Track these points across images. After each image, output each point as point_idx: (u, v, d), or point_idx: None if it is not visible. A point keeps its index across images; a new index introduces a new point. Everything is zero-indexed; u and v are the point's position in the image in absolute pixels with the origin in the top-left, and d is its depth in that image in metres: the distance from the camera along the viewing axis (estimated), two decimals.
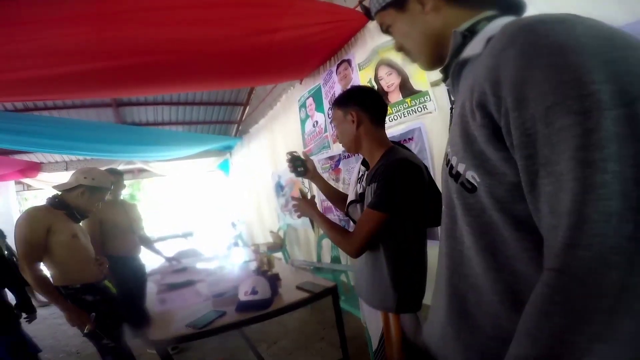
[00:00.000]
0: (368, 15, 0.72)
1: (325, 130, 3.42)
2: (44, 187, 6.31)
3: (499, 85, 0.40)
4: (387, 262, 1.08)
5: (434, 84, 2.10)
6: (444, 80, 0.63)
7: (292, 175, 4.43)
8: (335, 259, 3.28)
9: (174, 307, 1.63)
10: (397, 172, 1.03)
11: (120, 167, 5.65)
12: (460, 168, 0.51)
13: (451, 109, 0.65)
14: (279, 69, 3.35)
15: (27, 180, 6.21)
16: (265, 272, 1.83)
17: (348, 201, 1.23)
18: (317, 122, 3.61)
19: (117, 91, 3.32)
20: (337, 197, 1.45)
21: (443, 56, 0.59)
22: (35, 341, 3.21)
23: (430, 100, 2.12)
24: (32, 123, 3.96)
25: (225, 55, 2.47)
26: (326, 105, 3.36)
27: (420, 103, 2.17)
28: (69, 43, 1.90)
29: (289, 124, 4.30)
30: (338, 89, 3.11)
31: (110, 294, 1.91)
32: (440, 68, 0.64)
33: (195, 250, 3.55)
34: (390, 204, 1.01)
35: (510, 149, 0.42)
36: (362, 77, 2.74)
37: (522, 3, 0.56)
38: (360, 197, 1.17)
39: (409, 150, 1.19)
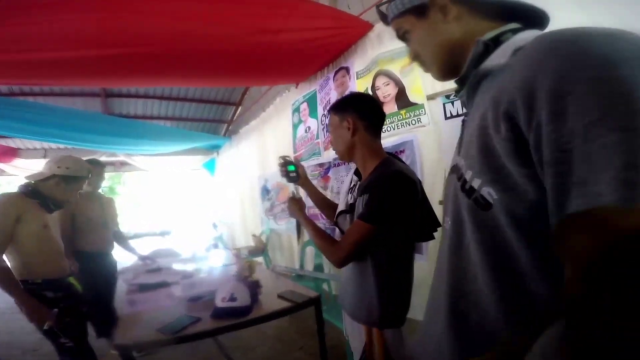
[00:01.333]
0: (384, 20, 0.71)
1: (317, 137, 3.38)
2: (19, 174, 6.02)
3: (533, 96, 0.38)
4: (374, 276, 1.05)
5: (430, 98, 2.09)
6: (458, 91, 0.62)
7: (280, 179, 4.35)
8: (318, 267, 3.22)
9: (143, 309, 1.52)
10: (389, 185, 1.00)
11: (102, 159, 5.46)
12: (475, 184, 0.49)
13: (463, 121, 0.63)
14: (278, 71, 3.31)
15: (1, 165, 5.92)
16: (246, 278, 1.75)
17: (338, 211, 1.20)
18: (309, 127, 3.57)
19: (110, 81, 3.19)
20: (325, 205, 1.42)
21: (459, 66, 0.58)
22: None
23: (425, 113, 2.11)
24: (14, 107, 3.80)
25: (226, 52, 2.42)
26: (320, 111, 3.33)
27: (414, 116, 2.16)
28: (68, 28, 1.82)
29: (281, 128, 4.25)
30: (334, 96, 3.08)
31: (74, 292, 1.78)
32: (454, 79, 0.62)
33: (172, 250, 3.41)
34: (380, 216, 0.99)
35: (537, 166, 0.39)
36: (359, 86, 2.72)
37: (546, 17, 0.55)
38: (350, 208, 1.13)
39: (404, 163, 1.17)
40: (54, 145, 6.00)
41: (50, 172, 1.73)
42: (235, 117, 6.77)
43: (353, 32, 2.76)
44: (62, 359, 1.66)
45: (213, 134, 7.09)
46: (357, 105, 1.15)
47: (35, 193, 1.68)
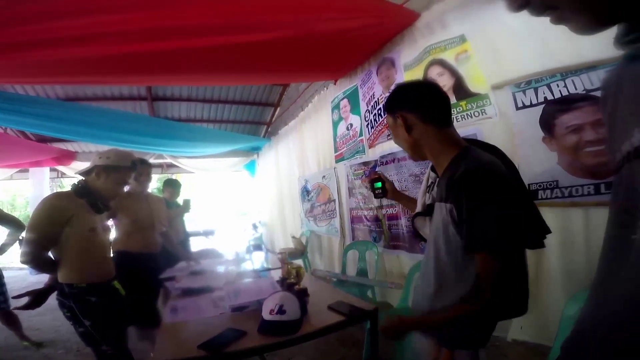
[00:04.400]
0: None
1: (361, 134, 3.20)
2: (76, 176, 6.47)
3: None
4: (454, 286, 0.87)
5: (496, 87, 1.84)
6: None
7: (320, 180, 4.21)
8: (362, 272, 3.04)
9: (186, 318, 1.43)
10: (481, 188, 0.79)
11: (150, 161, 5.70)
12: None
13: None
14: (314, 66, 3.20)
15: (61, 168, 6.40)
16: (292, 286, 1.62)
17: (414, 212, 1.02)
18: (351, 124, 3.40)
19: (152, 78, 3.27)
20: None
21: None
22: (38, 334, 3.09)
23: (490, 104, 1.86)
24: (73, 111, 4.07)
25: (264, 43, 2.33)
26: (363, 107, 3.15)
27: (477, 107, 1.92)
28: (110, 24, 1.85)
29: (320, 127, 4.13)
30: (378, 91, 2.89)
31: (117, 296, 1.74)
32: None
33: (216, 250, 3.40)
34: (499, 236, 0.77)
35: None
36: (408, 78, 2.51)
37: None
38: (428, 209, 0.94)
39: (490, 149, 0.94)
40: (107, 148, 6.39)
41: (93, 164, 1.71)
42: (274, 118, 6.78)
43: (395, 22, 2.57)
44: None
45: (253, 136, 7.17)
46: (404, 97, 0.98)
47: (83, 190, 1.65)
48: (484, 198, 0.77)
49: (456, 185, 0.81)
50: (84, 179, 1.73)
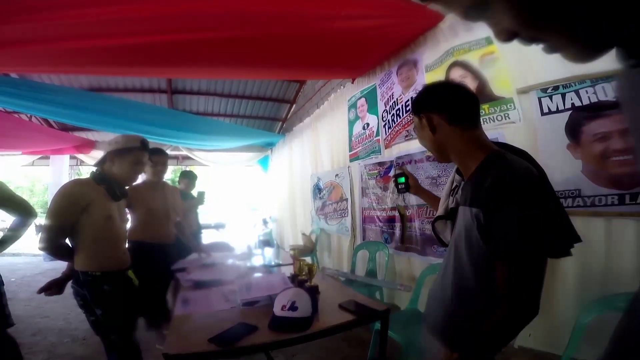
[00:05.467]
0: None
1: (377, 134, 3.18)
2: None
3: None
4: (476, 294, 0.85)
5: (522, 91, 1.79)
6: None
7: (333, 179, 4.20)
8: (371, 273, 3.02)
9: (196, 310, 1.44)
10: (515, 195, 0.75)
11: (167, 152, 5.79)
12: None
13: None
14: (333, 63, 3.17)
15: (80, 156, 6.56)
16: (303, 282, 1.61)
17: (436, 215, 0.99)
18: (368, 124, 3.38)
19: (172, 69, 3.29)
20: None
21: None
22: (46, 321, 3.15)
23: (515, 109, 1.81)
24: (97, 101, 4.19)
25: (283, 38, 2.33)
26: (381, 107, 3.12)
27: (501, 111, 1.88)
28: (130, 13, 1.86)
29: (335, 125, 4.12)
30: (397, 91, 2.86)
31: (131, 286, 1.75)
32: None
33: (227, 244, 3.42)
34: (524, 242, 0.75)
35: None
36: (429, 80, 2.47)
37: None
38: (450, 213, 0.92)
39: (520, 153, 0.90)
40: None
41: (105, 152, 1.74)
42: (289, 115, 6.79)
43: (419, 23, 2.52)
44: (107, 351, 1.66)
45: (268, 131, 7.21)
46: (430, 97, 0.95)
47: (101, 177, 1.69)
48: (518, 205, 0.74)
49: (487, 190, 0.78)
50: (100, 167, 1.77)
